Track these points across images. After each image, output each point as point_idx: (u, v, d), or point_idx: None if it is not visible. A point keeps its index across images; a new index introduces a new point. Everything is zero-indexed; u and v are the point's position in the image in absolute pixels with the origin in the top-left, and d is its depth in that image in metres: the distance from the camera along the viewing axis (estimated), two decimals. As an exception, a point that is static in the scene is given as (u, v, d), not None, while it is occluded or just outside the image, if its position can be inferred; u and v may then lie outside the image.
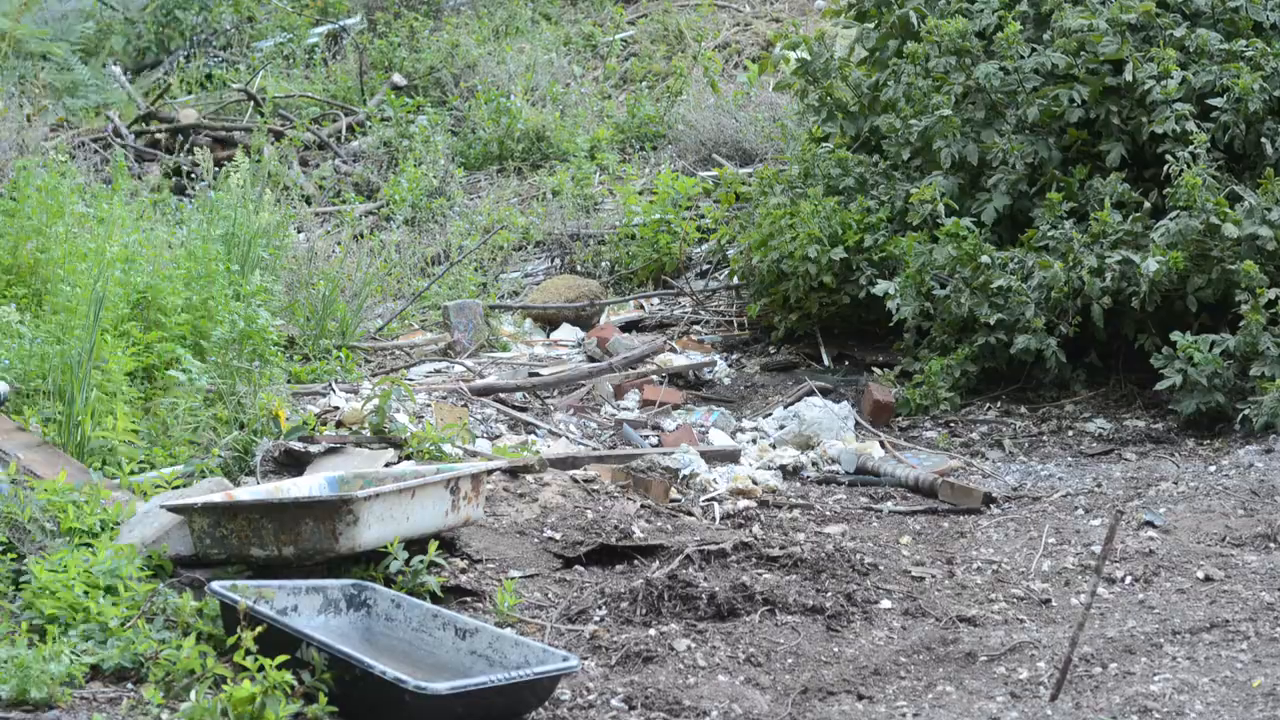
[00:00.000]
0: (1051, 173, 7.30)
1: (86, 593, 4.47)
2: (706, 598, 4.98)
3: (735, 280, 8.30)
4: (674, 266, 8.80)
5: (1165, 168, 6.92)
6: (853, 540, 5.59)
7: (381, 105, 11.44)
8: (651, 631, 4.83)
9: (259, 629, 4.08)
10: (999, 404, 7.12)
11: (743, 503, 6.03)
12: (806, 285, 7.60)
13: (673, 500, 5.99)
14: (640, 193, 9.30)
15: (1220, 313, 6.85)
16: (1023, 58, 7.40)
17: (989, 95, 7.43)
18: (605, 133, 10.76)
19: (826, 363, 7.66)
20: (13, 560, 4.71)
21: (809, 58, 8.17)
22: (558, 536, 5.41)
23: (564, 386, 7.41)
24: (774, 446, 6.77)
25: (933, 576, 5.30)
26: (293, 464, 5.78)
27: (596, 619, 4.93)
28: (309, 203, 9.74)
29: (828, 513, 6.03)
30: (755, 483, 6.29)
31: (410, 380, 7.20)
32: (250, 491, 5.11)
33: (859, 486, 6.38)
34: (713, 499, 6.07)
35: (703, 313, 8.44)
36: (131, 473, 5.42)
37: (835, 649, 4.77)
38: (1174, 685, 4.37)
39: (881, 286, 7.23)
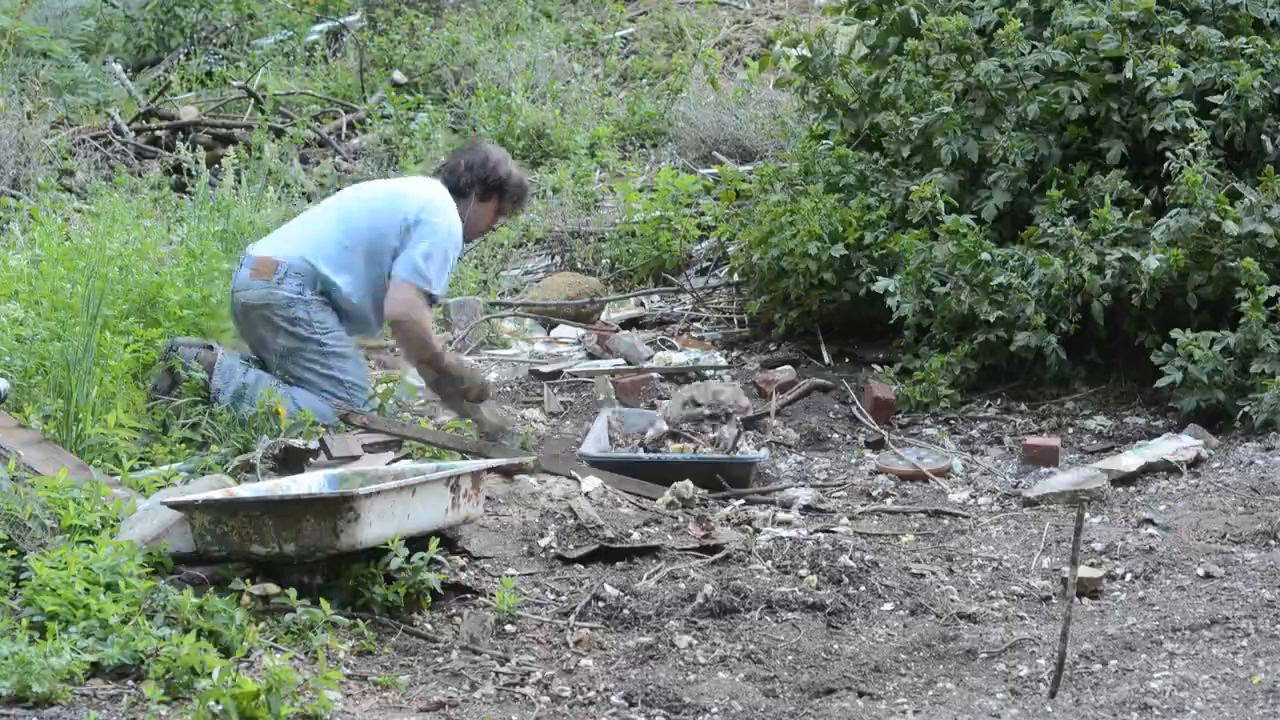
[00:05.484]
0: (1052, 170, 7.30)
1: (87, 589, 4.46)
2: (706, 595, 4.98)
3: (735, 277, 8.29)
4: (674, 264, 8.80)
5: (1165, 165, 6.92)
6: (853, 538, 5.59)
7: (382, 103, 11.44)
8: (651, 628, 4.83)
9: None
10: (999, 401, 7.11)
11: (743, 502, 6.03)
12: (807, 282, 7.59)
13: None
14: (641, 190, 9.29)
15: (1221, 310, 6.85)
16: (1023, 55, 7.39)
17: (989, 92, 7.42)
18: (605, 130, 10.75)
19: (827, 360, 7.66)
20: (13, 557, 4.71)
21: (809, 55, 8.16)
22: (557, 536, 5.41)
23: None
24: (774, 444, 6.77)
25: (933, 574, 5.30)
26: (293, 461, 5.77)
27: (596, 616, 4.93)
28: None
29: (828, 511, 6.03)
30: (755, 480, 6.28)
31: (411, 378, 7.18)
32: (251, 488, 5.11)
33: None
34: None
35: (703, 310, 8.44)
36: (131, 469, 5.41)
37: (836, 646, 4.77)
38: (1174, 682, 4.37)
39: (882, 284, 7.22)
